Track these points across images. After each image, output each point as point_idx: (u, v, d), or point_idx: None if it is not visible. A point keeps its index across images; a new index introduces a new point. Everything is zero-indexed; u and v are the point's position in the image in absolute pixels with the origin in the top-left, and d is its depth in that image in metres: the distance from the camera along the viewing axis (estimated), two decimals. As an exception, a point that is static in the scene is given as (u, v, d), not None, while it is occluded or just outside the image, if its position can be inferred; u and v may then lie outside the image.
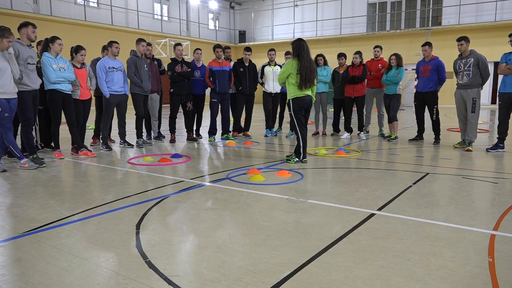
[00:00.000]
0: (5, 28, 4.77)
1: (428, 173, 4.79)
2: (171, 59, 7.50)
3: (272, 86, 8.19)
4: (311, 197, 3.75)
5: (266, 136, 8.46)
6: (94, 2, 20.47)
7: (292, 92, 5.40)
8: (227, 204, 3.58)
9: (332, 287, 2.06)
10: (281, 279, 2.14)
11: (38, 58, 5.94)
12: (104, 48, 7.19)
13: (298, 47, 5.34)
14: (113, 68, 6.53)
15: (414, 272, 2.22)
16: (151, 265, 2.31)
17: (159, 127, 7.89)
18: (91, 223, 3.08)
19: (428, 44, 7.09)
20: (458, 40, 6.49)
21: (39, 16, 16.98)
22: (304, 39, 5.56)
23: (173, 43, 21.31)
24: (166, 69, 7.78)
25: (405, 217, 3.16)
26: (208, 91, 7.93)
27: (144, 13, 22.49)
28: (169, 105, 7.61)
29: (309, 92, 5.46)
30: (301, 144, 5.47)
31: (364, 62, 8.08)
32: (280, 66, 8.37)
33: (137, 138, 7.14)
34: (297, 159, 5.51)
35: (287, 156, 5.68)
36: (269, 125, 8.58)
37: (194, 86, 7.62)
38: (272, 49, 8.36)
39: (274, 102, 8.40)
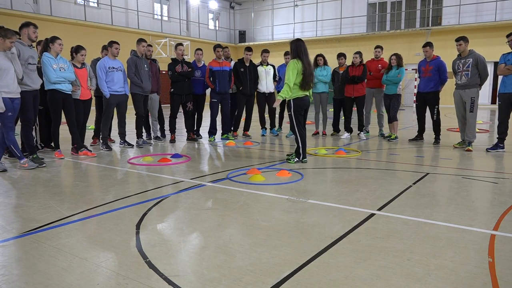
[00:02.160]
0: (7, 28, 4.79)
1: (428, 173, 4.79)
2: (171, 59, 7.50)
3: (266, 85, 8.21)
4: (311, 197, 3.75)
5: (263, 135, 8.48)
6: (94, 2, 20.47)
7: (294, 93, 5.36)
8: (227, 204, 3.58)
9: (332, 287, 2.06)
10: (281, 279, 2.14)
11: (38, 58, 5.94)
12: (104, 48, 7.20)
13: (298, 48, 5.30)
14: (113, 68, 6.53)
15: (414, 272, 2.22)
16: (151, 265, 2.31)
17: (162, 126, 7.91)
18: (91, 223, 3.08)
19: (429, 44, 7.07)
20: (457, 40, 6.49)
21: (39, 16, 16.97)
22: (303, 39, 5.54)
23: (173, 43, 21.39)
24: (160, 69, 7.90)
25: (405, 217, 3.16)
26: (208, 91, 7.94)
27: (144, 13, 22.48)
28: (167, 105, 7.61)
29: (307, 93, 5.46)
30: (300, 145, 5.47)
31: (364, 62, 8.09)
32: (273, 66, 8.39)
33: (137, 138, 7.14)
34: (297, 159, 5.51)
35: (287, 155, 5.69)
36: (263, 124, 8.60)
37: (194, 86, 7.62)
38: (267, 51, 8.30)
39: (273, 102, 8.39)
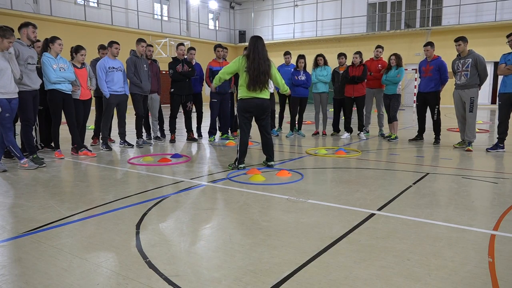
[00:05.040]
0: (6, 28, 4.77)
1: (428, 173, 4.79)
2: (172, 58, 7.51)
3: None
4: (311, 197, 3.75)
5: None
6: (94, 2, 20.47)
7: (239, 93, 5.07)
8: (227, 204, 3.58)
9: (332, 287, 2.06)
10: (281, 279, 2.14)
11: (38, 58, 5.94)
12: (100, 48, 7.20)
13: (250, 45, 4.94)
14: (113, 68, 6.53)
15: (414, 272, 2.22)
16: (151, 265, 2.31)
17: (161, 126, 7.90)
18: (91, 223, 3.08)
19: (430, 44, 7.06)
20: (456, 40, 6.49)
21: (39, 16, 16.99)
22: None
23: (173, 43, 21.39)
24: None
25: (405, 217, 3.16)
26: (208, 90, 7.93)
27: (144, 13, 22.49)
28: (167, 105, 7.61)
29: (260, 95, 4.99)
30: (238, 148, 5.11)
31: (364, 62, 8.09)
32: None
33: (137, 138, 7.14)
34: (234, 165, 5.13)
35: (229, 165, 5.24)
36: None
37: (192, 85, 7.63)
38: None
39: (273, 102, 8.38)
